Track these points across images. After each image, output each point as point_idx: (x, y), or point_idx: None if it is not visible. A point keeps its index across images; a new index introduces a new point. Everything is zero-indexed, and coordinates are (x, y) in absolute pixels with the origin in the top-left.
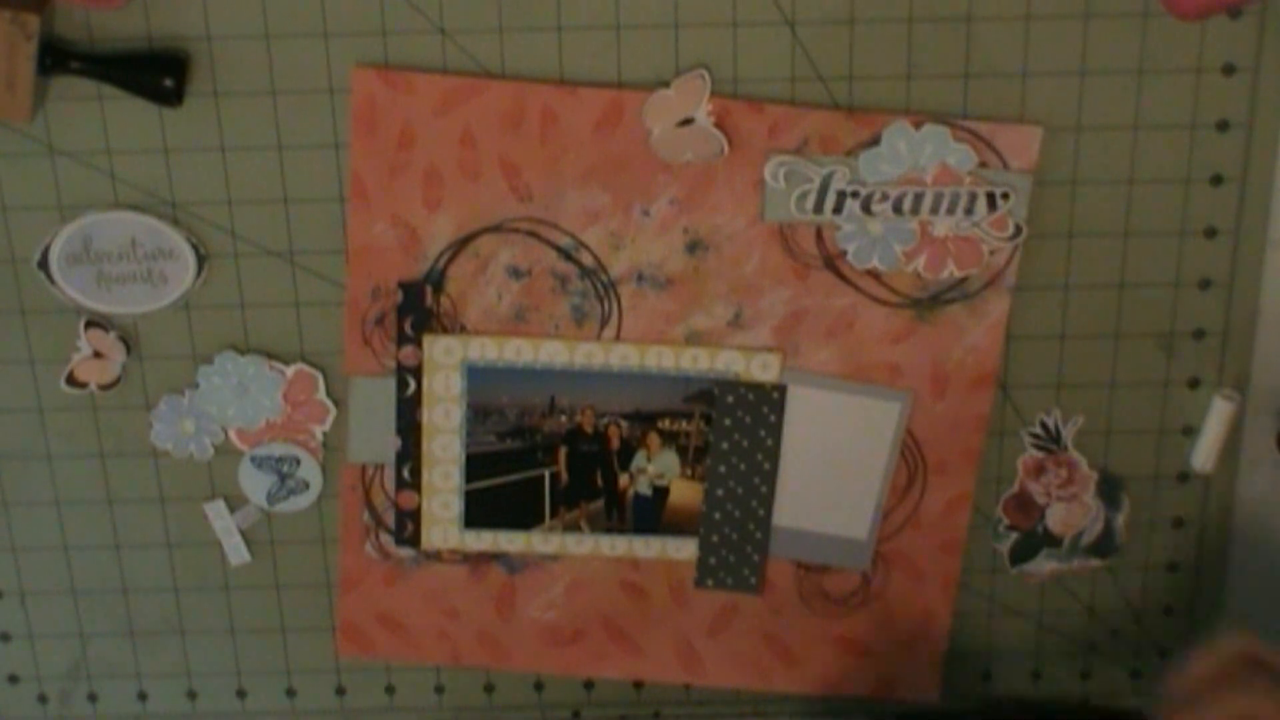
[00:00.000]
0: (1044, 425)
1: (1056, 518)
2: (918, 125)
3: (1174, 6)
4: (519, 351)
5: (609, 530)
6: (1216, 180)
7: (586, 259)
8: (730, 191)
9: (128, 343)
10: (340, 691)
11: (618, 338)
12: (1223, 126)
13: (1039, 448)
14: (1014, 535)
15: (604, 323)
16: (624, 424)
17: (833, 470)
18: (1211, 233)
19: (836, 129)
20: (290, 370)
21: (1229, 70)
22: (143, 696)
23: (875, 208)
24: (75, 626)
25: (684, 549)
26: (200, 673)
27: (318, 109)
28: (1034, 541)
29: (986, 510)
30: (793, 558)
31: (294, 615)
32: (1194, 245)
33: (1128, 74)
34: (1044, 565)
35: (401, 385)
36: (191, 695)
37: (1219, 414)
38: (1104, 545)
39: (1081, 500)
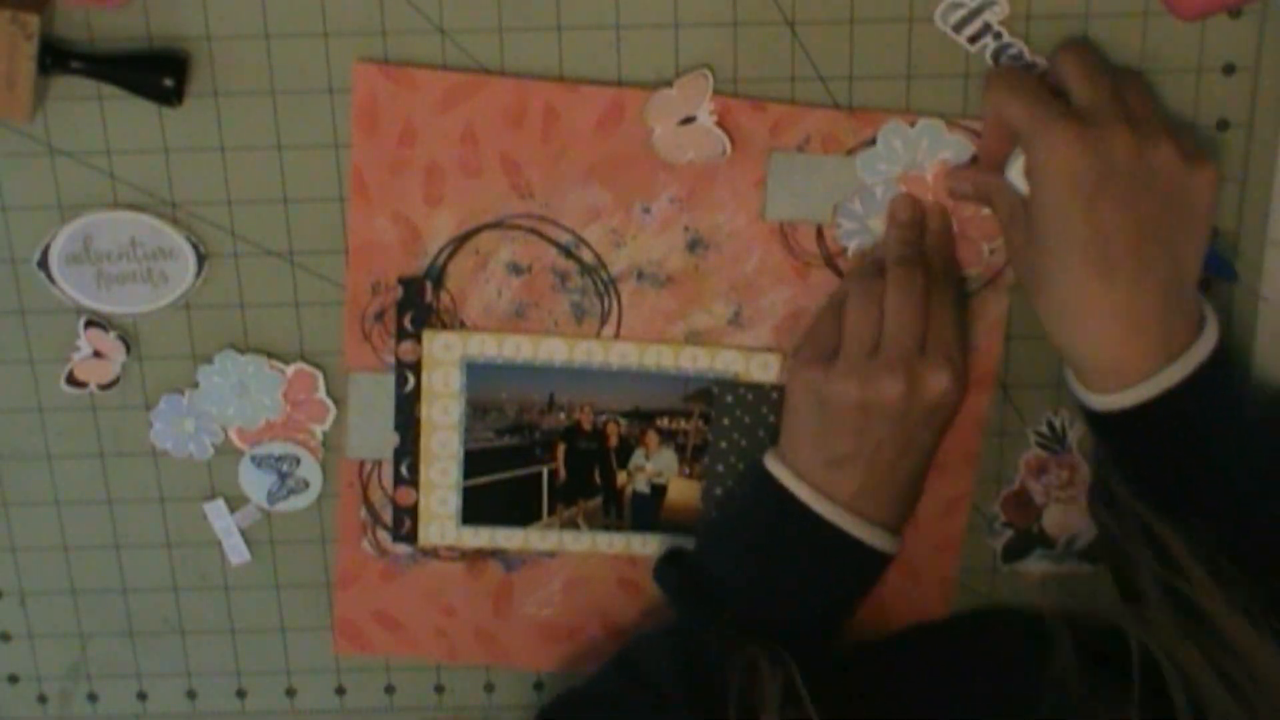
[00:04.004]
0: (1050, 425)
1: (1053, 519)
2: (913, 123)
3: (1174, 6)
4: (518, 348)
5: (607, 528)
6: None
7: (587, 256)
8: (731, 190)
9: (127, 342)
10: (340, 691)
11: (617, 335)
12: (1223, 126)
13: (1043, 447)
14: (1009, 533)
15: (604, 320)
16: (623, 422)
17: None
18: (1212, 233)
19: (837, 128)
20: (290, 370)
21: (1229, 70)
22: (143, 696)
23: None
24: (75, 626)
25: None
26: (200, 673)
27: (318, 109)
28: (1028, 541)
29: (984, 506)
30: None
31: (294, 615)
32: None
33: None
34: (1036, 565)
35: (400, 381)
36: (191, 695)
37: None
38: (1097, 550)
39: (1080, 504)
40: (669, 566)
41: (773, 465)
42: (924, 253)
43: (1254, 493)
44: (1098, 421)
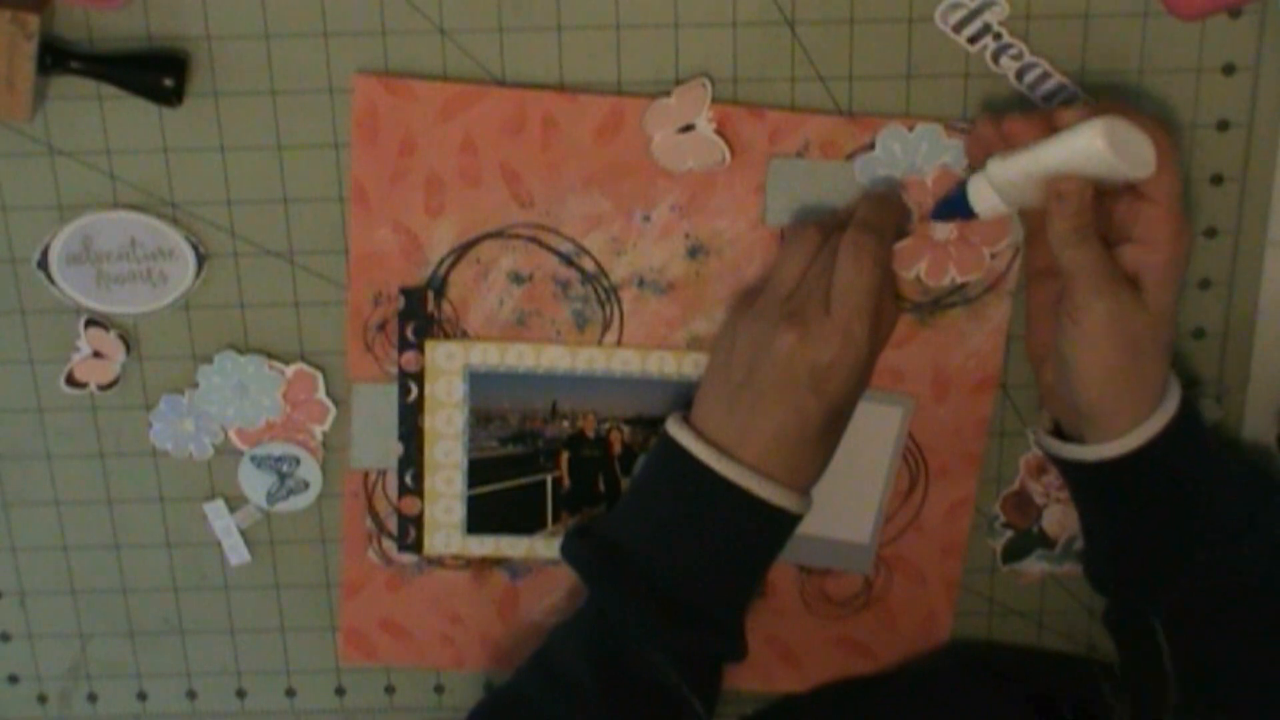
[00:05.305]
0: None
1: (1053, 519)
2: (911, 127)
3: (1174, 6)
4: (520, 357)
5: None
6: (1216, 180)
7: (588, 264)
8: (731, 196)
9: (127, 343)
10: (340, 691)
11: (619, 343)
12: (1223, 126)
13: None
14: (1009, 533)
15: (605, 328)
16: (626, 429)
17: (835, 474)
18: (1211, 233)
19: (837, 134)
20: (290, 370)
21: (1229, 70)
22: (142, 696)
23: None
24: (75, 626)
25: None
26: (200, 673)
27: (318, 109)
28: (1028, 541)
29: (984, 507)
30: (795, 561)
31: (294, 615)
32: (1194, 245)
33: (1127, 74)
34: (1035, 565)
35: (403, 391)
36: (191, 695)
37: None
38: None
39: None
40: (577, 540)
41: (675, 429)
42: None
43: (1232, 529)
44: (1094, 475)
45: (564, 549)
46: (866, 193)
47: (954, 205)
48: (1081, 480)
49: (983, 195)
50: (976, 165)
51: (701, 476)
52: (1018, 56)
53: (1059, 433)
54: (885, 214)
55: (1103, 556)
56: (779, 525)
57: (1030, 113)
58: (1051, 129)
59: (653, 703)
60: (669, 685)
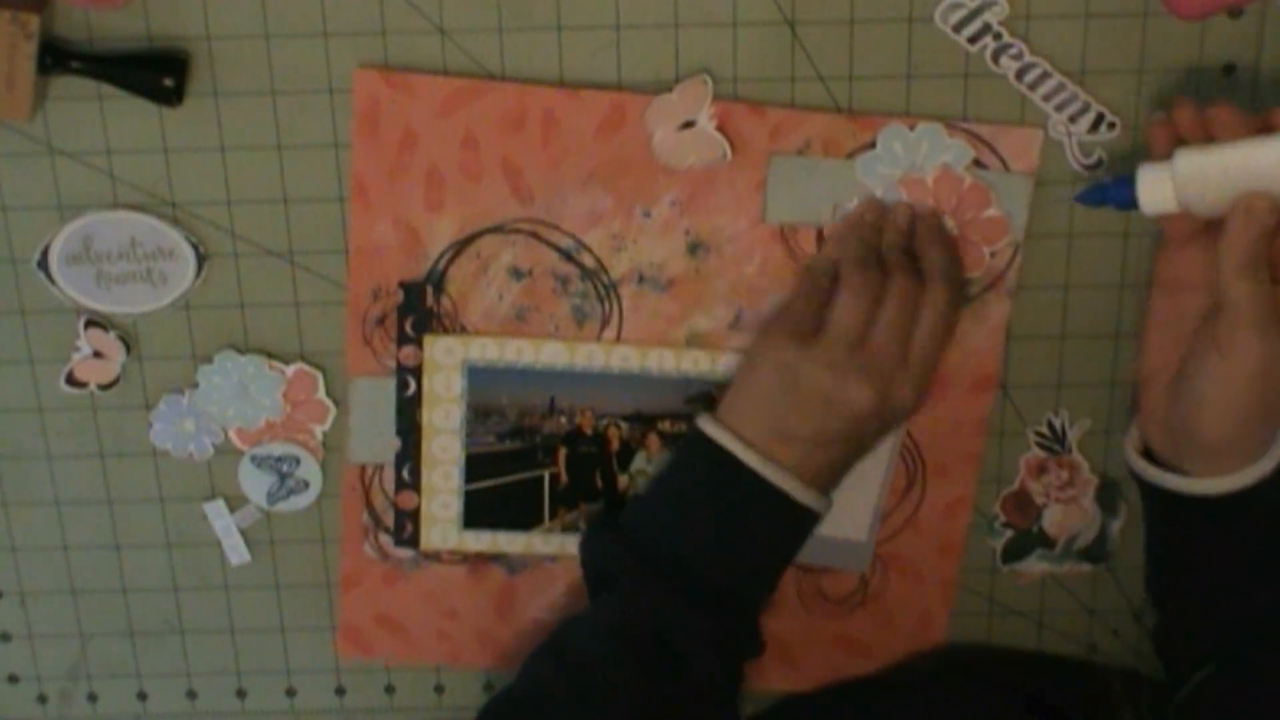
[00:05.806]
0: (1050, 425)
1: (1053, 519)
2: (913, 126)
3: (1174, 6)
4: (519, 352)
5: None
6: None
7: (587, 260)
8: (732, 193)
9: (127, 343)
10: (340, 691)
11: (618, 339)
12: None
13: (1043, 447)
14: (1009, 533)
15: (604, 324)
16: (624, 425)
17: None
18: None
19: (838, 132)
20: (290, 370)
21: (1229, 70)
22: (142, 696)
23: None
24: (75, 626)
25: None
26: (200, 673)
27: (318, 109)
28: (1028, 541)
29: (984, 507)
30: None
31: (294, 615)
32: None
33: (1128, 74)
34: (1035, 565)
35: (402, 385)
36: (191, 695)
37: None
38: (1096, 550)
39: (1080, 504)
40: (597, 541)
41: (713, 430)
42: (893, 256)
43: None
44: (1189, 507)
45: (586, 548)
46: (931, 231)
47: (1113, 192)
48: (1170, 508)
49: (1157, 188)
50: (1155, 154)
51: (742, 478)
52: (1018, 56)
53: (1148, 453)
54: (957, 263)
55: (1173, 580)
56: (807, 524)
57: (1238, 109)
58: (1264, 129)
59: (681, 686)
60: (695, 669)
